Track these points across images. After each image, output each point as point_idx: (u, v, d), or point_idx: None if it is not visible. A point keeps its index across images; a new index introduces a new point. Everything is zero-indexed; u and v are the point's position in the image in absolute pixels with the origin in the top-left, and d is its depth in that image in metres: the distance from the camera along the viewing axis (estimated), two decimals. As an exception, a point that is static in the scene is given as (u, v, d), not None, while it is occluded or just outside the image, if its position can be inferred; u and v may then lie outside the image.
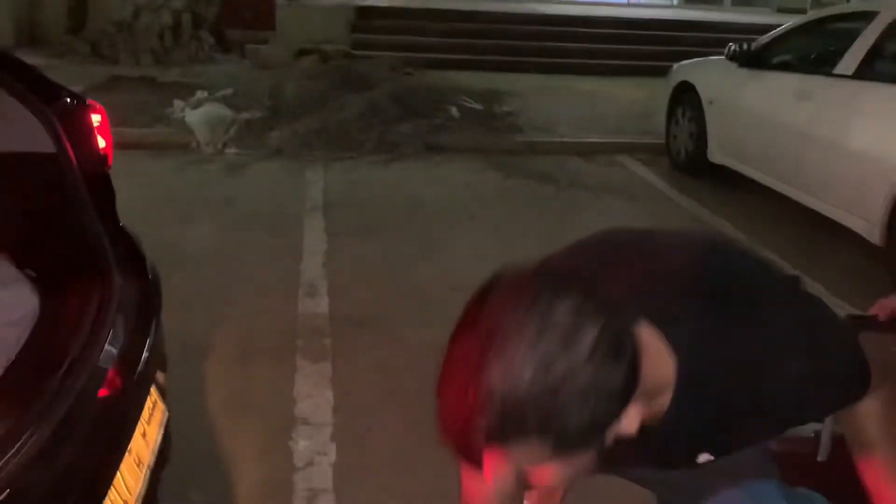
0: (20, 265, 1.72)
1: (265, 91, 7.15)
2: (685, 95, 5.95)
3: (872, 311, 1.64)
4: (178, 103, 6.65)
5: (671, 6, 13.91)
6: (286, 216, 4.70)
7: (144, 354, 1.68)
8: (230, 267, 3.88)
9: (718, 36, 9.64)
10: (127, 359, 1.63)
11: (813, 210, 4.51)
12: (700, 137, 5.71)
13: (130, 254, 1.79)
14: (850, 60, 4.36)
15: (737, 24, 10.89)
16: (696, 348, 0.94)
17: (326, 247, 4.22)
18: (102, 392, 1.54)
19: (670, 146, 6.26)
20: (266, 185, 5.39)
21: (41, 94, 1.77)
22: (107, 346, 1.58)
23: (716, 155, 5.58)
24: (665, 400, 0.95)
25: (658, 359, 0.91)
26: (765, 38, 5.41)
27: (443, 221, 4.74)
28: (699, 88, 5.74)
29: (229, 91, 7.11)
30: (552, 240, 1.16)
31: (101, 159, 1.74)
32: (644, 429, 0.95)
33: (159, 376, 1.79)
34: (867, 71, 4.27)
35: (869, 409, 1.12)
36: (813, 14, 5.83)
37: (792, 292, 1.04)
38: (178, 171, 5.55)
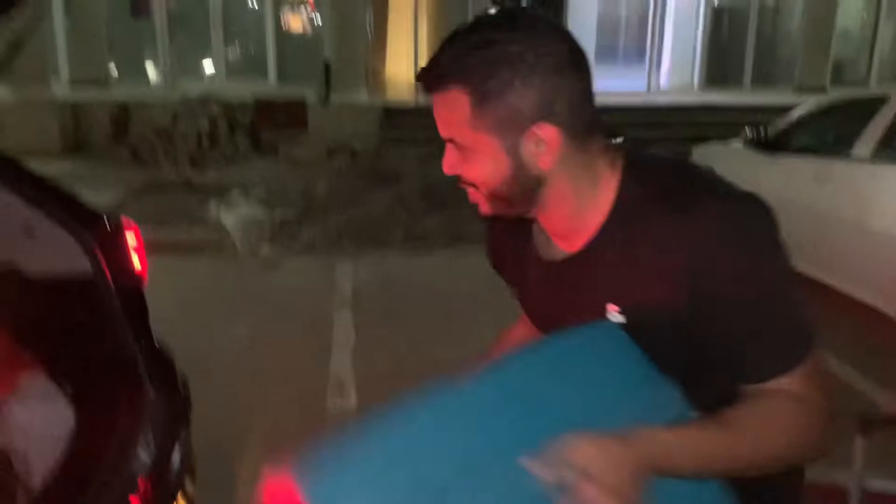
0: (57, 380, 1.82)
1: (297, 190, 7.41)
2: (706, 180, 6.04)
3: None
4: (214, 205, 6.90)
5: (691, 91, 14.17)
6: (317, 312, 4.81)
7: (174, 465, 1.74)
8: (261, 364, 3.97)
9: (740, 118, 9.78)
10: (157, 469, 1.69)
11: (839, 290, 4.51)
12: (724, 221, 5.76)
13: (162, 367, 1.88)
14: (866, 144, 4.43)
15: (757, 106, 11.04)
16: (640, 192, 1.00)
17: (355, 341, 4.29)
18: (134, 502, 1.60)
19: (695, 230, 6.29)
20: (298, 282, 5.54)
21: (80, 216, 1.91)
22: (138, 458, 1.65)
23: (740, 238, 5.61)
24: (592, 228, 1.04)
25: (606, 171, 1.03)
26: (780, 124, 5.51)
27: (471, 311, 4.79)
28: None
29: (263, 191, 7.38)
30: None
31: (137, 279, 1.86)
32: (564, 260, 1.08)
33: (188, 486, 1.85)
34: (883, 153, 4.33)
35: (777, 403, 0.95)
36: (826, 99, 5.93)
37: (754, 208, 0.99)
38: (214, 271, 5.73)
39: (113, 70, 12.96)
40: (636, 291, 0.99)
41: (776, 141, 5.35)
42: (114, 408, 1.73)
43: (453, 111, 0.98)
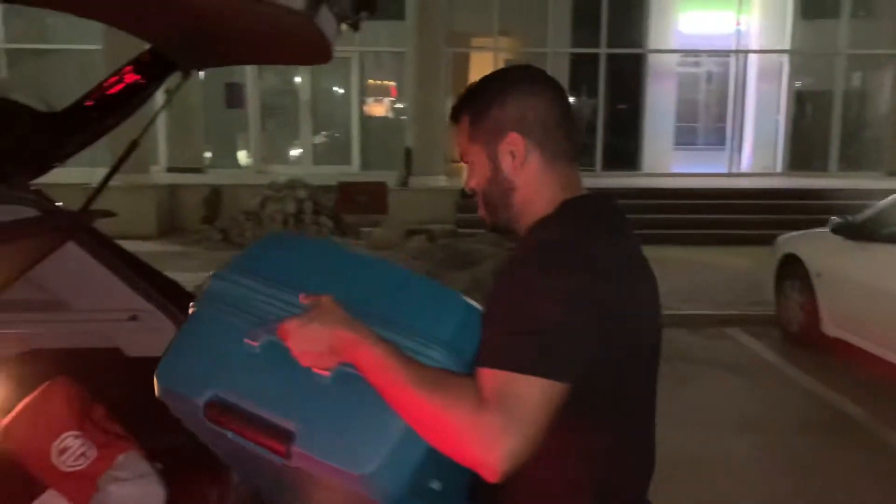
0: (151, 458, 1.91)
1: (376, 272, 7.56)
2: (792, 267, 5.89)
3: None
4: (296, 285, 7.11)
5: (774, 174, 13.91)
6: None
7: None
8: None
9: (825, 203, 9.54)
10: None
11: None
12: (811, 309, 5.58)
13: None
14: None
15: (844, 191, 10.71)
16: (550, 221, 1.20)
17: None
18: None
19: (781, 318, 6.12)
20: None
21: (177, 301, 2.03)
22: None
23: (830, 328, 5.41)
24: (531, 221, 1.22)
25: (557, 198, 1.22)
26: (869, 211, 5.37)
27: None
28: (805, 261, 5.69)
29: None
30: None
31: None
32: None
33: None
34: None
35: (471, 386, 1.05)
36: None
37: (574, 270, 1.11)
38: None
39: (207, 156, 13.70)
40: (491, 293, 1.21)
41: (864, 228, 5.21)
42: (201, 486, 1.80)
43: (462, 133, 1.26)
